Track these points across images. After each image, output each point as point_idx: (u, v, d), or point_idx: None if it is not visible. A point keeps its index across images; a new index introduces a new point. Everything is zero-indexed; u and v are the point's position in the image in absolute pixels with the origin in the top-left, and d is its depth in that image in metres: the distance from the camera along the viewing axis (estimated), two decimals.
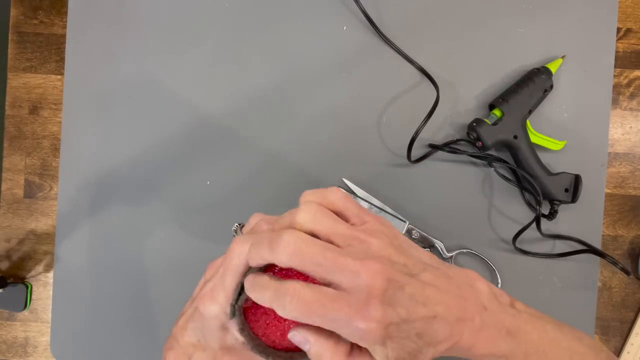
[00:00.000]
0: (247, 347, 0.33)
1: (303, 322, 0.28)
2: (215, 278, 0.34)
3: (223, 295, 0.32)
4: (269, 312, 0.33)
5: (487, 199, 0.58)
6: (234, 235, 0.37)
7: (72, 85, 0.60)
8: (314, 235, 0.29)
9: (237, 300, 0.32)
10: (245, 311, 0.33)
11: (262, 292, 0.29)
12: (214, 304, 0.33)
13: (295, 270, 0.30)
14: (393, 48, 0.59)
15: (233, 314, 0.32)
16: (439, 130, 0.59)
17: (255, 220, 0.37)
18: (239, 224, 0.38)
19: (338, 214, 0.31)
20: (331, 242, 0.29)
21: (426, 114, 0.56)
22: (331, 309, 0.27)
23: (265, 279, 0.29)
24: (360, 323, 0.26)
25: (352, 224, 0.31)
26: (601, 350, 0.35)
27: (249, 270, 0.32)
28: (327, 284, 0.28)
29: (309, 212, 0.29)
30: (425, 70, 0.58)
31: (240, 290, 0.32)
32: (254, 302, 0.32)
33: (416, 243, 0.57)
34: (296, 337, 0.29)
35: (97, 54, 0.60)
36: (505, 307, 0.33)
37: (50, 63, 0.61)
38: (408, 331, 0.28)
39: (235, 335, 0.33)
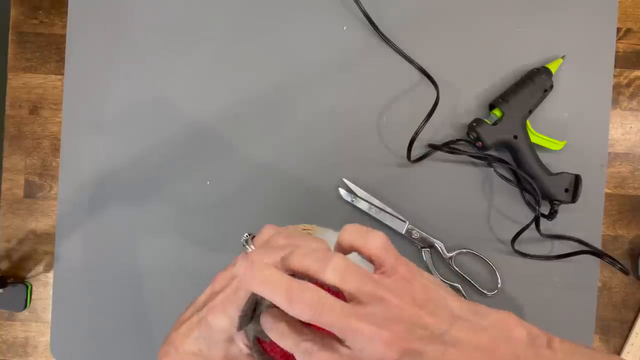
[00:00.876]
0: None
1: None
2: (227, 290, 0.33)
3: (235, 309, 0.32)
4: None
5: (487, 199, 0.58)
6: (244, 246, 0.37)
7: (72, 85, 0.60)
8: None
9: (247, 312, 0.32)
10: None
11: (282, 339, 0.30)
12: (225, 316, 0.33)
13: None
14: (393, 48, 0.59)
15: (241, 327, 0.32)
16: (439, 130, 0.59)
17: (268, 232, 0.37)
18: (249, 235, 0.38)
19: (372, 259, 0.31)
20: (353, 298, 0.29)
21: (426, 114, 0.56)
22: None
23: (284, 327, 0.30)
24: None
25: (382, 272, 0.31)
26: None
27: None
28: (343, 341, 0.28)
29: (339, 270, 0.29)
30: (425, 70, 0.58)
31: (253, 303, 0.32)
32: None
33: (416, 243, 0.57)
34: None
35: (97, 54, 0.60)
36: (540, 351, 0.31)
37: (50, 63, 0.61)
38: None
39: (240, 346, 0.33)
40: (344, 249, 0.32)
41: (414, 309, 0.29)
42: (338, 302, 0.28)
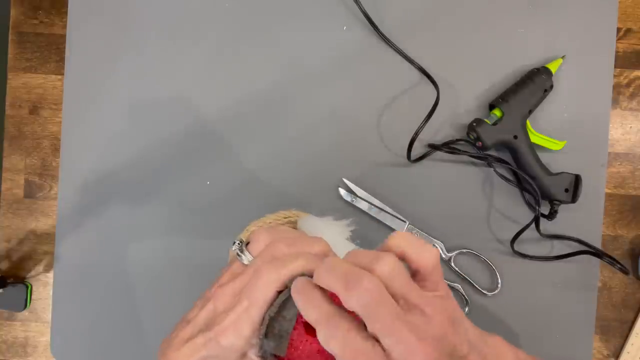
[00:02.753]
0: None
1: None
2: (238, 310, 0.33)
3: (250, 328, 0.32)
4: (294, 338, 0.33)
5: (487, 199, 0.58)
6: (239, 255, 0.35)
7: (72, 85, 0.60)
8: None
9: (264, 332, 0.32)
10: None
11: (318, 310, 0.29)
12: (240, 336, 0.32)
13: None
14: (393, 48, 0.59)
15: (261, 348, 0.32)
16: (439, 130, 0.59)
17: (263, 238, 0.36)
18: (242, 242, 0.36)
19: (420, 271, 0.31)
20: (395, 301, 0.29)
21: (426, 114, 0.56)
22: None
23: (319, 296, 0.30)
24: None
25: (423, 285, 0.31)
26: None
27: (278, 296, 0.32)
28: (374, 337, 0.28)
29: (389, 265, 0.29)
30: (425, 70, 0.58)
31: (267, 321, 0.32)
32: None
33: None
34: None
35: (97, 54, 0.60)
36: None
37: (50, 63, 0.61)
38: None
39: (252, 358, 0.33)
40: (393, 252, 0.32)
41: (448, 327, 0.29)
42: (393, 302, 0.28)
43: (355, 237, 0.47)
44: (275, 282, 0.32)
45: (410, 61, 0.58)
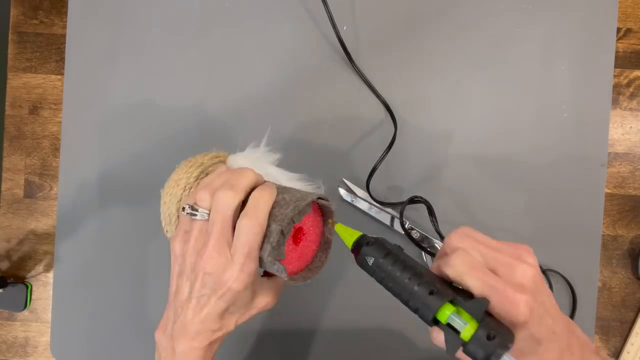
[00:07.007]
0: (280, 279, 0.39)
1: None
2: (237, 250, 0.36)
3: (255, 254, 0.36)
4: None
5: (486, 199, 0.58)
6: (193, 215, 0.38)
7: (72, 85, 0.60)
8: None
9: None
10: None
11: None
12: (249, 273, 0.36)
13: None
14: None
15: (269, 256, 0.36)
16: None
17: (206, 194, 0.38)
18: (190, 206, 0.38)
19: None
20: None
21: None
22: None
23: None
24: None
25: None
26: None
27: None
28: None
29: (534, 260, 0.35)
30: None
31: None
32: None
33: (416, 243, 0.57)
34: None
35: (97, 54, 0.60)
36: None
37: (50, 63, 0.61)
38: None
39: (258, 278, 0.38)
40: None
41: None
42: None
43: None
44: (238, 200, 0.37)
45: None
